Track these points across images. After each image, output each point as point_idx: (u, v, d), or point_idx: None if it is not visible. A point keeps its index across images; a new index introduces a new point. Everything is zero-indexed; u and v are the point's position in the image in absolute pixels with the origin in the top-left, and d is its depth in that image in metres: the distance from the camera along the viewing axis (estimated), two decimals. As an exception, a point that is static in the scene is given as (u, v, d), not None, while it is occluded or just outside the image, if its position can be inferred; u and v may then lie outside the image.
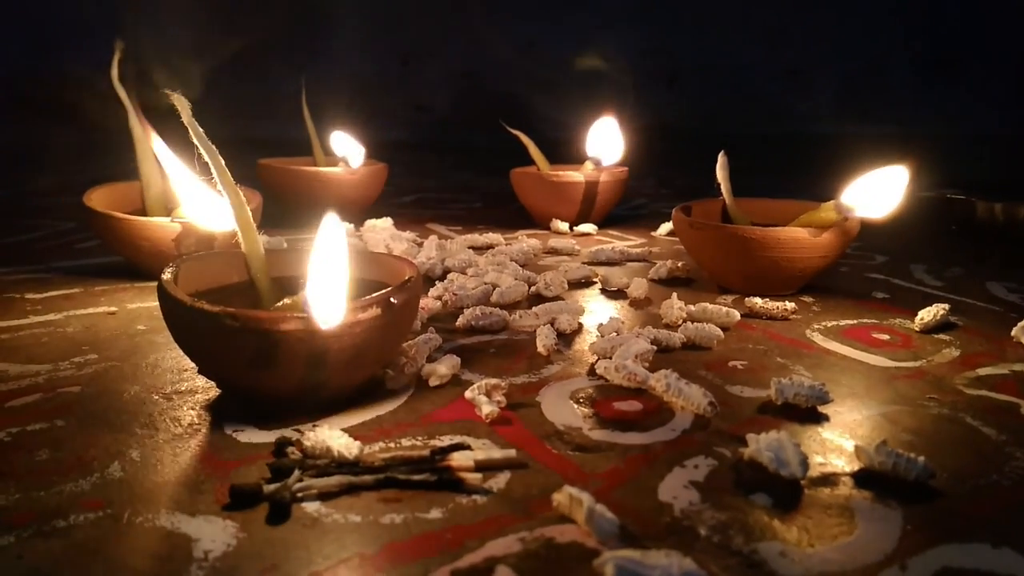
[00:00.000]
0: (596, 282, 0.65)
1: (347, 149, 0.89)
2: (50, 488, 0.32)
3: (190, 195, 0.52)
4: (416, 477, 0.32)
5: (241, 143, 0.92)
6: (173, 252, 0.60)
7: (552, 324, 0.52)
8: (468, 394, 0.40)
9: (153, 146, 0.53)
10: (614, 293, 0.62)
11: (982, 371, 0.46)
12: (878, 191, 0.55)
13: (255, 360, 0.36)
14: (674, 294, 0.55)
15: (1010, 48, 2.18)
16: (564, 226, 0.87)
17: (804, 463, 0.33)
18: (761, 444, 0.34)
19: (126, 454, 0.34)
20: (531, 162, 0.91)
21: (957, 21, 2.17)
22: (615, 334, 0.49)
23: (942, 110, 2.17)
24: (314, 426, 0.37)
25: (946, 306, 0.54)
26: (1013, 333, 0.52)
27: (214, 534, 0.29)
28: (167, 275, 0.40)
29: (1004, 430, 0.38)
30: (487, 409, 0.38)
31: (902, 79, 2.17)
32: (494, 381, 0.40)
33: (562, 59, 1.89)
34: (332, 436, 0.34)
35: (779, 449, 0.33)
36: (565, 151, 0.97)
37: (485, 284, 0.60)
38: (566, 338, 0.51)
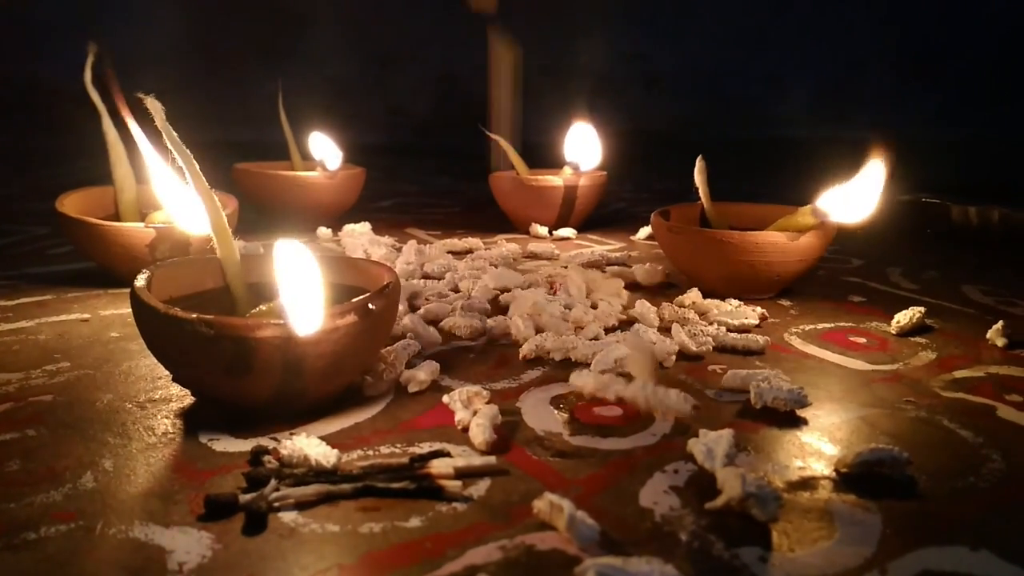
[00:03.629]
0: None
1: (325, 151, 0.88)
2: (20, 499, 0.31)
3: (171, 195, 0.51)
4: (395, 485, 0.32)
5: (217, 147, 0.92)
6: (147, 258, 0.59)
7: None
8: (445, 399, 0.40)
9: (139, 143, 0.51)
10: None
11: (958, 374, 0.47)
12: (854, 195, 0.56)
13: (231, 368, 0.36)
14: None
15: (985, 51, 2.22)
16: (543, 230, 0.87)
17: (731, 457, 0.33)
18: (703, 439, 0.35)
19: (99, 464, 0.34)
20: (510, 166, 0.91)
21: (933, 24, 2.20)
22: (595, 339, 0.49)
23: (917, 114, 2.20)
24: (291, 434, 0.36)
25: (922, 309, 0.54)
26: (988, 335, 0.52)
27: (189, 545, 0.28)
28: (141, 281, 0.39)
29: (981, 432, 0.39)
30: (480, 438, 0.36)
31: (879, 83, 2.20)
32: (475, 389, 0.40)
33: (540, 63, 1.90)
34: (309, 444, 0.33)
35: (715, 443, 0.34)
36: (544, 155, 0.97)
37: (464, 289, 0.59)
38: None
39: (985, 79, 2.23)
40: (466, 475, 0.33)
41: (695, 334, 0.51)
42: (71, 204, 0.63)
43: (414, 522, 0.30)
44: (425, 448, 0.36)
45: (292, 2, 1.86)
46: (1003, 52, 2.22)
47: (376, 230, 0.85)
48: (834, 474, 0.34)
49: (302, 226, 0.86)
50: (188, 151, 0.41)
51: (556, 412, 0.40)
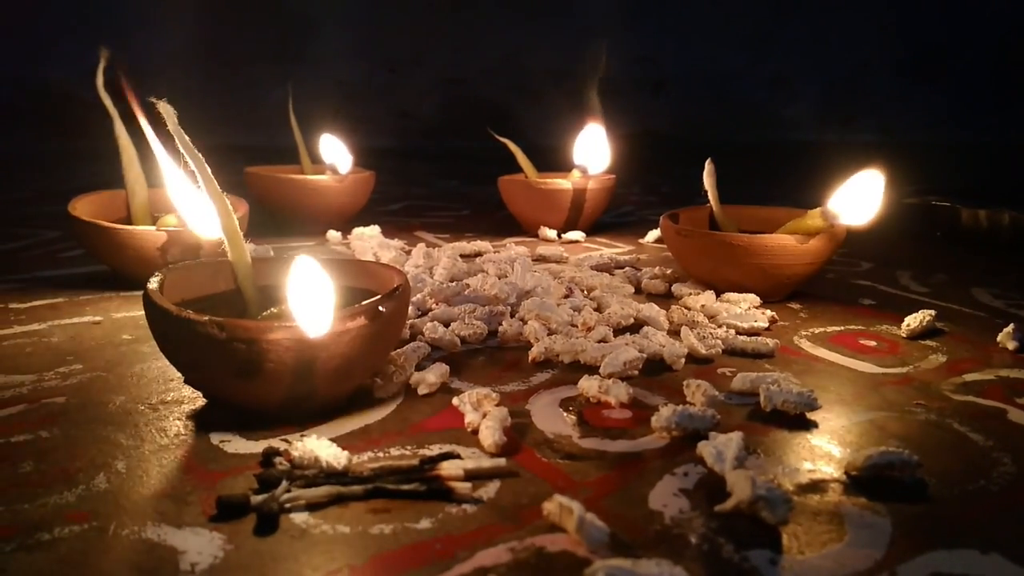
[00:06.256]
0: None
1: (335, 154, 0.89)
2: (34, 500, 0.31)
3: (184, 199, 0.51)
4: (405, 487, 0.32)
5: (228, 151, 0.92)
6: (159, 261, 0.59)
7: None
8: (455, 401, 0.40)
9: (152, 147, 0.51)
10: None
11: (968, 377, 0.47)
12: (862, 197, 0.56)
13: (242, 370, 0.36)
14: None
15: (992, 53, 2.21)
16: (552, 233, 0.87)
17: (740, 459, 0.33)
18: (713, 442, 0.34)
19: (111, 465, 0.34)
20: (519, 169, 0.91)
21: (939, 27, 2.19)
22: (604, 342, 0.49)
23: (924, 116, 2.19)
24: (302, 436, 0.36)
25: (932, 312, 0.54)
26: (999, 338, 0.52)
27: (201, 546, 0.28)
28: (153, 284, 0.39)
29: (991, 435, 0.39)
30: (489, 440, 0.36)
31: (885, 86, 2.20)
32: (484, 391, 0.40)
33: (548, 67, 1.90)
34: (320, 446, 0.33)
35: (724, 445, 0.34)
36: (553, 158, 0.97)
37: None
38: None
39: (993, 81, 2.23)
40: (476, 477, 0.33)
41: (704, 337, 0.51)
42: (83, 208, 0.64)
43: (424, 523, 0.30)
44: (435, 450, 0.36)
45: (302, 7, 1.87)
46: (1010, 53, 2.21)
47: (385, 233, 0.85)
48: (844, 477, 0.34)
49: (312, 229, 0.86)
50: (200, 155, 0.41)
51: (565, 415, 0.40)
